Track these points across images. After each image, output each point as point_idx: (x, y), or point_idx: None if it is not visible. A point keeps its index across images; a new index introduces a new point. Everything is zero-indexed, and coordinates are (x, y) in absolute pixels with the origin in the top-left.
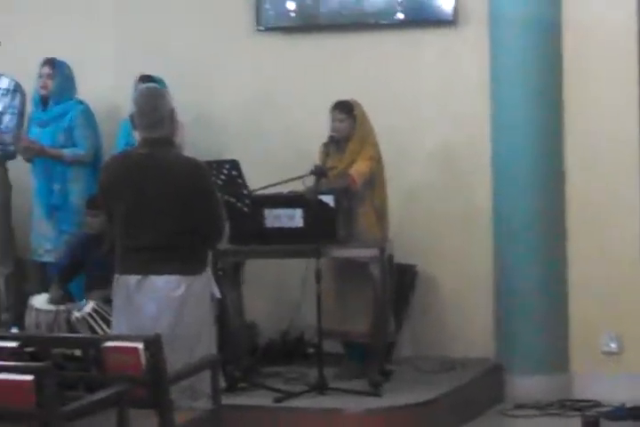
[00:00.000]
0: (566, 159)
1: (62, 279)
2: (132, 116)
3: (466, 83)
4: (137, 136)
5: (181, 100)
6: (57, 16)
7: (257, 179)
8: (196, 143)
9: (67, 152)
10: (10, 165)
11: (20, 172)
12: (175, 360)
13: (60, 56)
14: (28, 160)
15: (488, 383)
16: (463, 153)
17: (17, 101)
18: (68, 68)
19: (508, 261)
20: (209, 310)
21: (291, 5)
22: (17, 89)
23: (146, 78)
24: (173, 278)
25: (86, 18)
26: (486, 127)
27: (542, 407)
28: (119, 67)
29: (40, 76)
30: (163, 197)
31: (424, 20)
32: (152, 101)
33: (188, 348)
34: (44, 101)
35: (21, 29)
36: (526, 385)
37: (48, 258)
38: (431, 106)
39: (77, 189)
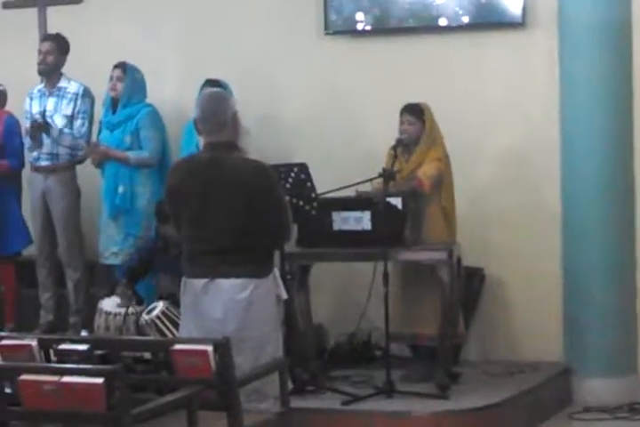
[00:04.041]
0: (636, 162)
1: (130, 281)
2: (195, 121)
3: (535, 84)
4: (201, 141)
5: (248, 103)
6: (126, 21)
7: (324, 182)
8: (263, 147)
9: (131, 155)
10: (79, 170)
11: (90, 177)
12: (242, 362)
13: (128, 60)
14: (97, 166)
15: (556, 387)
16: (532, 155)
17: (87, 106)
18: (139, 72)
19: (577, 264)
20: (275, 313)
21: (359, 10)
22: (85, 94)
23: (212, 82)
24: (240, 281)
25: (153, 21)
26: (556, 129)
27: (611, 411)
28: (186, 71)
29: (111, 78)
30: (228, 200)
31: (492, 22)
32: (214, 106)
33: (254, 350)
34: (114, 105)
35: (91, 35)
36: (595, 388)
37: (114, 261)
38: (500, 108)
39: (144, 192)
